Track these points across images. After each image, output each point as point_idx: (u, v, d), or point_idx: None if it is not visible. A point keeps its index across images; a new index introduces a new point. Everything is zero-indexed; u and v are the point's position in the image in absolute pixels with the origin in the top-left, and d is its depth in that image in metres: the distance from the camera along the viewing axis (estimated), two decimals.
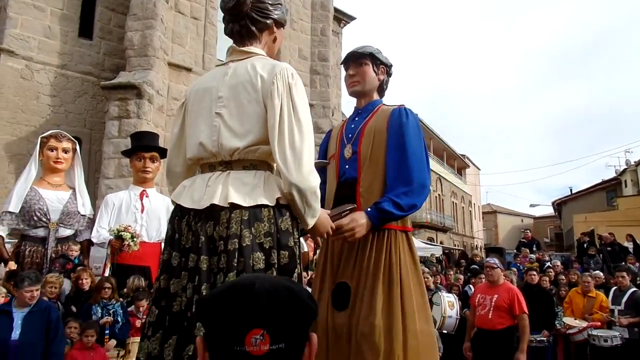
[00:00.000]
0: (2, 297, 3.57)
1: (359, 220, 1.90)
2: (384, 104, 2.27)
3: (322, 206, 2.20)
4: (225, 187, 1.56)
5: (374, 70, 2.22)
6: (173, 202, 1.75)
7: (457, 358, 6.15)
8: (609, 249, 10.18)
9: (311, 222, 1.64)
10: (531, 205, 32.37)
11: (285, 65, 1.66)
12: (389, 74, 2.30)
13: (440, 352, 5.13)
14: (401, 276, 1.93)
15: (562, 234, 29.25)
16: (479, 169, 41.00)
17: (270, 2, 1.75)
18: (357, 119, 2.25)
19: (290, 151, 1.54)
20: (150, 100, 9.71)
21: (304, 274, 6.32)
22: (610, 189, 24.01)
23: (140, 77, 9.67)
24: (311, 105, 13.23)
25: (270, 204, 1.57)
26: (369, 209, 1.94)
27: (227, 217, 1.53)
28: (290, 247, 1.58)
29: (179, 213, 1.67)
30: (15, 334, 3.03)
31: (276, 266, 1.53)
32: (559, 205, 29.33)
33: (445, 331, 5.58)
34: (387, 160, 2.05)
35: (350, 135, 2.20)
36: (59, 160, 3.86)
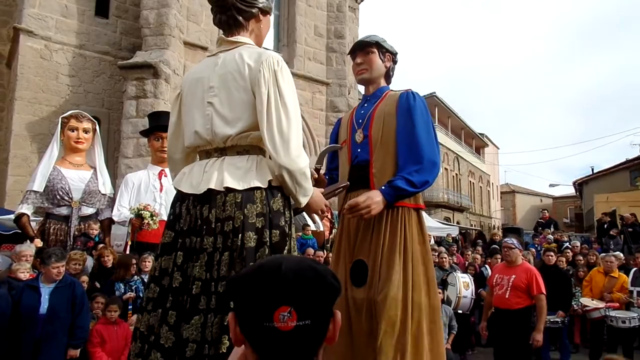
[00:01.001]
0: (28, 272, 3.71)
1: (374, 198, 1.98)
2: (391, 90, 2.35)
3: (345, 189, 2.27)
4: (221, 172, 1.67)
5: (380, 58, 2.30)
6: (175, 188, 1.84)
7: (471, 337, 6.20)
8: (630, 229, 9.99)
9: (304, 201, 1.74)
10: (551, 185, 31.88)
11: (271, 53, 1.74)
12: (394, 62, 2.39)
13: (454, 331, 5.20)
14: (413, 252, 2.05)
15: (583, 214, 28.77)
16: (498, 148, 40.29)
17: None
18: (366, 105, 2.35)
19: (279, 135, 1.63)
20: (167, 80, 9.74)
21: (320, 252, 6.40)
22: (634, 168, 23.31)
23: (157, 56, 9.69)
24: (327, 84, 13.10)
25: (262, 186, 1.67)
26: (383, 187, 2.03)
27: (223, 201, 1.64)
28: (282, 227, 1.68)
29: (180, 198, 1.78)
30: (43, 308, 3.16)
31: (268, 244, 1.63)
32: (580, 185, 28.74)
33: (460, 311, 5.62)
34: (397, 141, 2.14)
35: (360, 121, 2.30)
36: (79, 140, 3.93)
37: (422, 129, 2.12)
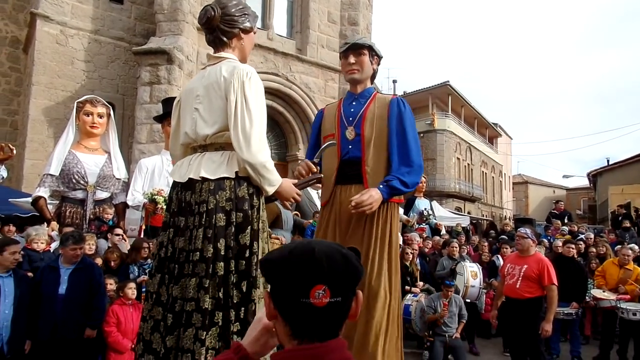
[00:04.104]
0: (43, 243, 3.80)
1: (375, 196, 2.24)
2: (377, 92, 2.58)
3: (318, 181, 2.49)
4: (199, 165, 2.03)
5: (370, 60, 2.51)
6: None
7: (479, 326, 6.22)
8: None
9: (270, 190, 2.04)
10: (564, 176, 31.44)
11: (243, 67, 2.06)
12: (379, 65, 2.61)
13: (464, 320, 5.23)
14: (394, 242, 2.37)
15: (596, 206, 28.39)
16: (511, 138, 39.78)
17: (236, 15, 2.13)
18: (354, 103, 2.54)
19: (242, 135, 1.95)
20: (180, 66, 9.76)
21: None
22: None
23: (171, 42, 9.70)
24: (340, 71, 12.98)
25: (231, 177, 2.00)
26: (380, 186, 2.29)
27: (200, 188, 1.99)
28: (245, 210, 2.00)
29: (173, 185, 2.15)
30: (62, 289, 3.25)
31: (234, 224, 1.96)
32: (594, 176, 28.29)
33: (468, 300, 5.63)
34: (389, 144, 2.40)
35: (350, 119, 2.50)
36: (94, 125, 3.99)
37: (412, 135, 2.40)
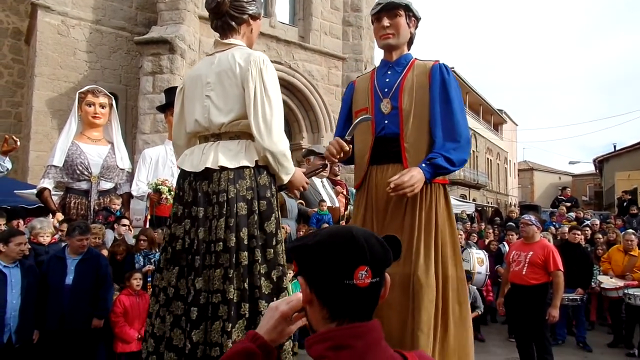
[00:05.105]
0: (49, 236, 3.81)
1: (417, 177, 1.95)
2: (416, 59, 2.24)
3: (350, 161, 2.33)
4: (216, 154, 1.98)
5: (407, 22, 2.18)
6: (178, 167, 2.17)
7: (485, 312, 6.23)
8: None
9: (286, 179, 2.04)
10: (570, 163, 31.22)
11: (258, 54, 2.04)
12: (416, 28, 2.27)
13: (480, 310, 5.21)
14: (442, 227, 2.06)
15: (602, 192, 28.22)
16: (517, 125, 39.48)
17: (246, 1, 2.11)
18: (389, 72, 2.22)
19: (263, 123, 1.93)
20: (183, 55, 9.70)
21: None
22: None
23: (172, 31, 9.63)
24: (343, 59, 12.90)
25: (250, 165, 1.98)
26: (423, 165, 1.99)
27: (218, 177, 1.95)
28: (268, 198, 1.99)
29: (183, 175, 2.09)
30: (69, 279, 3.27)
31: (257, 212, 1.94)
32: (600, 162, 28.06)
33: (474, 287, 5.63)
34: (432, 116, 2.08)
35: (386, 90, 2.18)
36: (97, 115, 3.97)
37: (458, 105, 2.09)
